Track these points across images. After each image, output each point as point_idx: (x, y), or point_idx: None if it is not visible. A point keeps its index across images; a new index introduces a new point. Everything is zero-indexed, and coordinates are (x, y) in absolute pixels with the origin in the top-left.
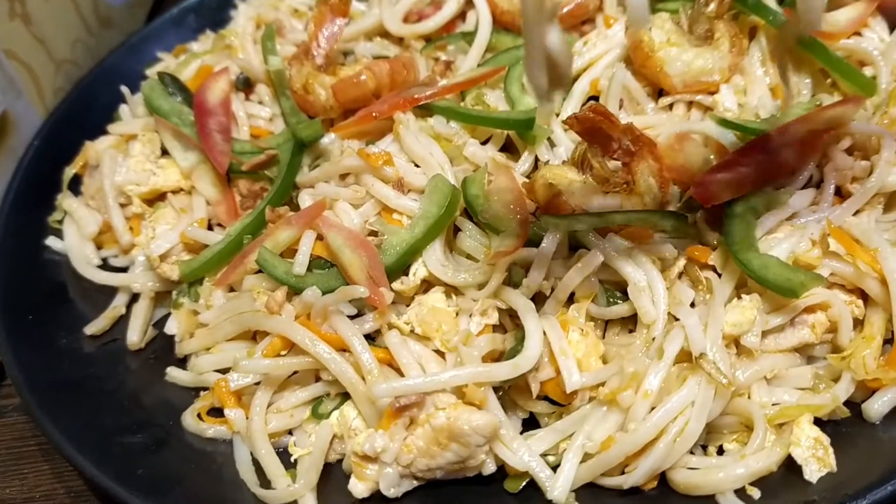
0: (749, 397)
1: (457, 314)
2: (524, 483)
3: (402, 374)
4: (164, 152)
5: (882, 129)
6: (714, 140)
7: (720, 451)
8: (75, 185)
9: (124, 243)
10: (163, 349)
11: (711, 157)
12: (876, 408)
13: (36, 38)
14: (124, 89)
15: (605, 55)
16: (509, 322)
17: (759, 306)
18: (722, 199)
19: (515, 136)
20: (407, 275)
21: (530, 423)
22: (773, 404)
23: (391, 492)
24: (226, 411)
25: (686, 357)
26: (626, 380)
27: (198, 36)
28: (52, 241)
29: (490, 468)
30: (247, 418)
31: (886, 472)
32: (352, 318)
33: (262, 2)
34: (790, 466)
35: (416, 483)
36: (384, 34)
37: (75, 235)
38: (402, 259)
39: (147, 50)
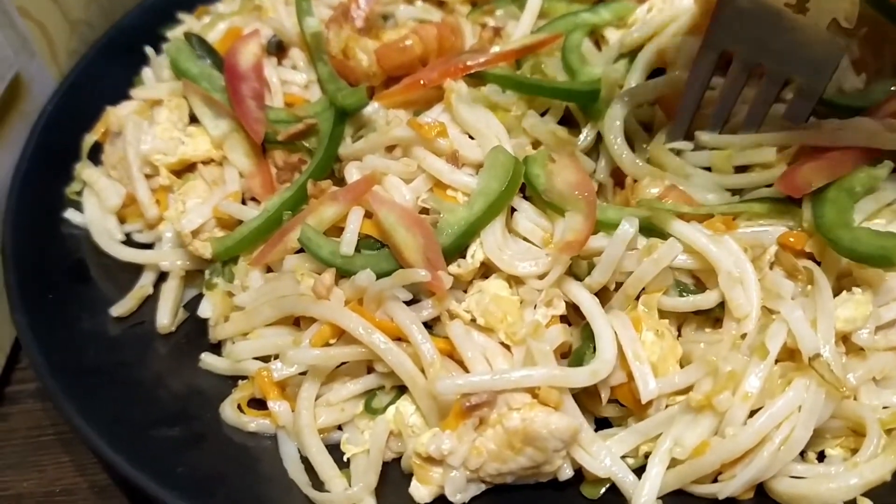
0: (855, 399)
1: (521, 303)
2: (604, 489)
3: (463, 367)
4: (193, 119)
5: None
6: None
7: (820, 457)
8: (94, 154)
9: (150, 217)
10: (194, 333)
11: None
12: None
13: None
14: (149, 50)
15: (671, 23)
16: (572, 313)
17: (872, 299)
18: (815, 186)
19: (576, 108)
20: (464, 257)
21: (601, 421)
22: (884, 407)
23: (457, 497)
24: (269, 403)
25: (785, 355)
26: (723, 381)
27: None
28: (71, 214)
29: (567, 473)
30: (292, 411)
31: None
32: (407, 304)
33: None
34: None
35: (483, 487)
36: None
37: (96, 208)
38: (460, 240)
39: (165, 11)
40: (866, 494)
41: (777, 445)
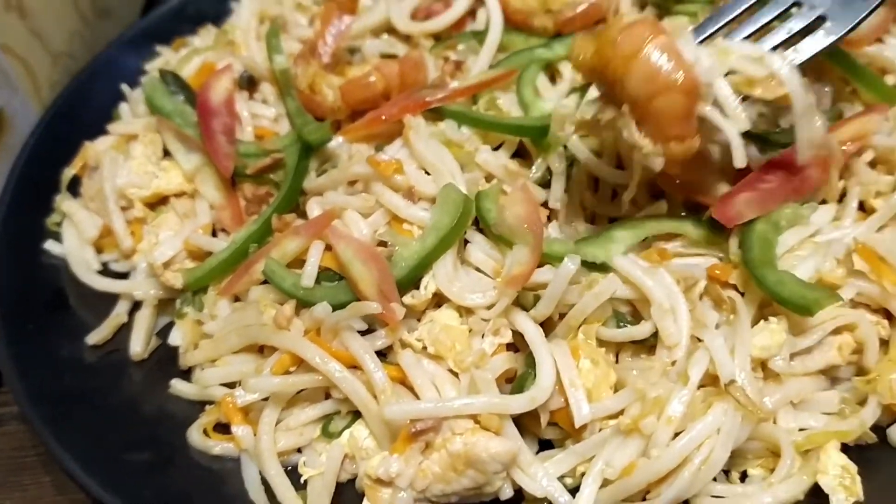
0: (775, 422)
1: (470, 331)
2: None
3: (415, 393)
4: (167, 153)
5: None
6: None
7: (743, 477)
8: (73, 186)
9: (126, 248)
10: (166, 359)
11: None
12: None
13: (32, 31)
14: (124, 87)
15: None
16: (520, 339)
17: (787, 328)
18: (745, 219)
19: (529, 141)
20: (418, 288)
21: (545, 441)
22: (800, 430)
23: None
24: (233, 428)
25: (709, 381)
26: (649, 406)
27: (197, 29)
28: (50, 245)
29: (507, 493)
30: (254, 435)
31: None
32: (362, 333)
33: None
34: (817, 493)
35: None
36: (391, 30)
37: (75, 239)
38: (413, 272)
39: (145, 43)
40: None
41: (697, 466)
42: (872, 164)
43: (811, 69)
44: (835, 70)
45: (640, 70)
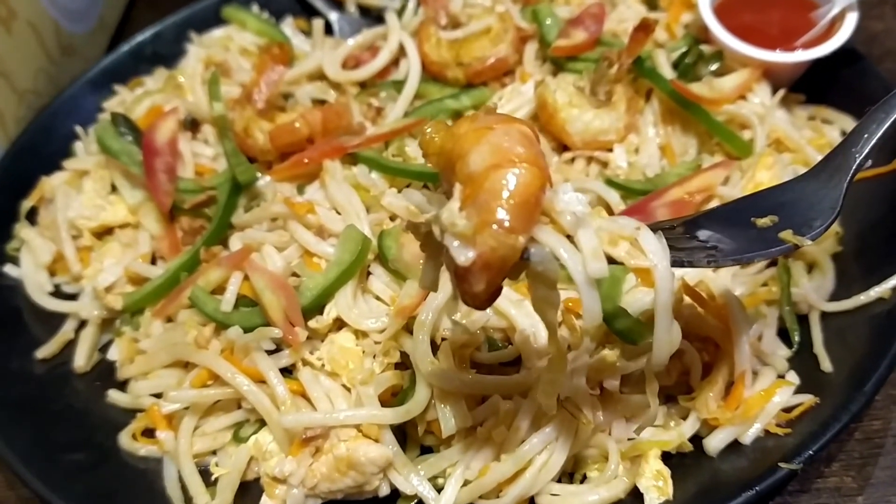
0: (609, 433)
1: (364, 352)
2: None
3: (312, 405)
4: (114, 188)
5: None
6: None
7: (584, 479)
8: (32, 216)
9: (75, 272)
10: (106, 372)
11: None
12: (713, 444)
13: None
14: (78, 128)
15: (517, 111)
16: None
17: (619, 355)
18: None
19: (432, 185)
20: (322, 314)
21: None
22: (630, 439)
23: None
24: (157, 433)
25: None
26: (501, 418)
27: (152, 69)
28: (9, 269)
29: (384, 491)
30: (175, 439)
31: (717, 500)
32: (271, 353)
33: (213, 41)
34: (637, 494)
35: (319, 502)
36: (324, 77)
37: (31, 264)
38: (317, 300)
39: (105, 82)
40: None
41: (538, 468)
42: None
43: (680, 121)
44: (700, 124)
45: (489, 141)
